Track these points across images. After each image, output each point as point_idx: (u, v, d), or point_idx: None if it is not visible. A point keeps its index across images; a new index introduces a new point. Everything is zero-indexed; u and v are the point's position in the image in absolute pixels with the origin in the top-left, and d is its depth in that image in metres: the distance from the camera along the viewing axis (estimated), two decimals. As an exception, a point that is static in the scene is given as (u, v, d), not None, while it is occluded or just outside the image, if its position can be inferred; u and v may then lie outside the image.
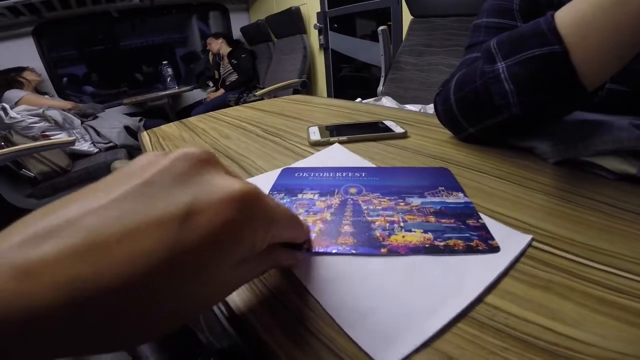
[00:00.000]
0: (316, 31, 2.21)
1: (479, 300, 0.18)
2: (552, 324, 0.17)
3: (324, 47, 2.24)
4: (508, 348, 0.16)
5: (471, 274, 0.20)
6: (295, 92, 2.04)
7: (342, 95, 2.38)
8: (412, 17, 1.43)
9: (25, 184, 1.47)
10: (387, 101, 0.90)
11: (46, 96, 2.14)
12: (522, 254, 0.22)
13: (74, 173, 1.55)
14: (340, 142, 0.44)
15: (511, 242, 0.22)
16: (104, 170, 1.53)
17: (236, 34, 2.98)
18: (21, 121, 1.61)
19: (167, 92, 2.65)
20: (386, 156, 0.39)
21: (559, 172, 0.32)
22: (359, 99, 0.93)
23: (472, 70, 0.38)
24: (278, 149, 0.46)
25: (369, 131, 0.46)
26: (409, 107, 1.00)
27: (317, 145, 0.44)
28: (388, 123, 0.49)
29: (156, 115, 2.58)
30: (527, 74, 0.32)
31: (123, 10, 2.51)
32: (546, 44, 0.30)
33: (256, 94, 1.88)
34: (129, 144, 1.81)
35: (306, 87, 2.04)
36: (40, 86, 2.16)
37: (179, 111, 2.84)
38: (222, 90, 2.61)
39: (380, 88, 1.42)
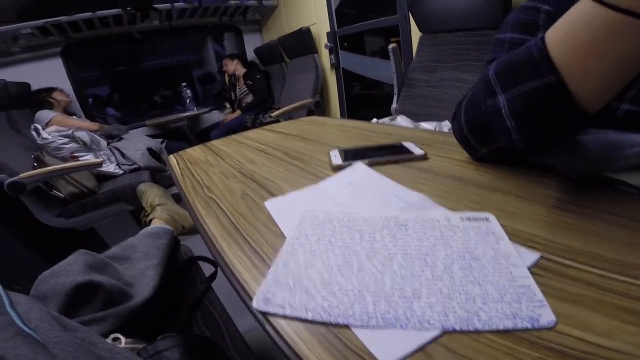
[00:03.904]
0: (327, 50, 2.27)
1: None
2: (583, 335, 0.18)
3: (335, 66, 2.29)
4: (543, 358, 0.17)
5: None
6: (309, 112, 2.09)
7: (355, 113, 2.39)
8: (420, 34, 1.46)
9: (55, 204, 1.54)
10: (402, 120, 0.92)
11: (74, 117, 2.22)
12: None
13: (101, 194, 1.60)
14: (363, 165, 0.45)
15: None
16: (129, 192, 1.58)
17: (250, 54, 3.08)
18: (52, 142, 1.67)
19: (187, 113, 2.74)
20: (409, 179, 0.40)
21: (580, 189, 0.32)
22: (374, 120, 0.95)
23: (478, 91, 0.38)
24: (301, 173, 0.48)
25: (389, 154, 0.48)
26: (424, 124, 1.02)
27: (339, 169, 0.45)
28: (407, 145, 0.51)
29: (176, 137, 2.65)
30: (527, 109, 0.32)
31: (144, 31, 2.62)
32: (541, 75, 0.29)
33: (272, 115, 1.93)
34: (152, 166, 1.87)
35: (320, 107, 2.08)
36: (69, 107, 2.24)
37: (198, 133, 2.91)
38: (238, 112, 2.67)
39: (394, 106, 1.45)
